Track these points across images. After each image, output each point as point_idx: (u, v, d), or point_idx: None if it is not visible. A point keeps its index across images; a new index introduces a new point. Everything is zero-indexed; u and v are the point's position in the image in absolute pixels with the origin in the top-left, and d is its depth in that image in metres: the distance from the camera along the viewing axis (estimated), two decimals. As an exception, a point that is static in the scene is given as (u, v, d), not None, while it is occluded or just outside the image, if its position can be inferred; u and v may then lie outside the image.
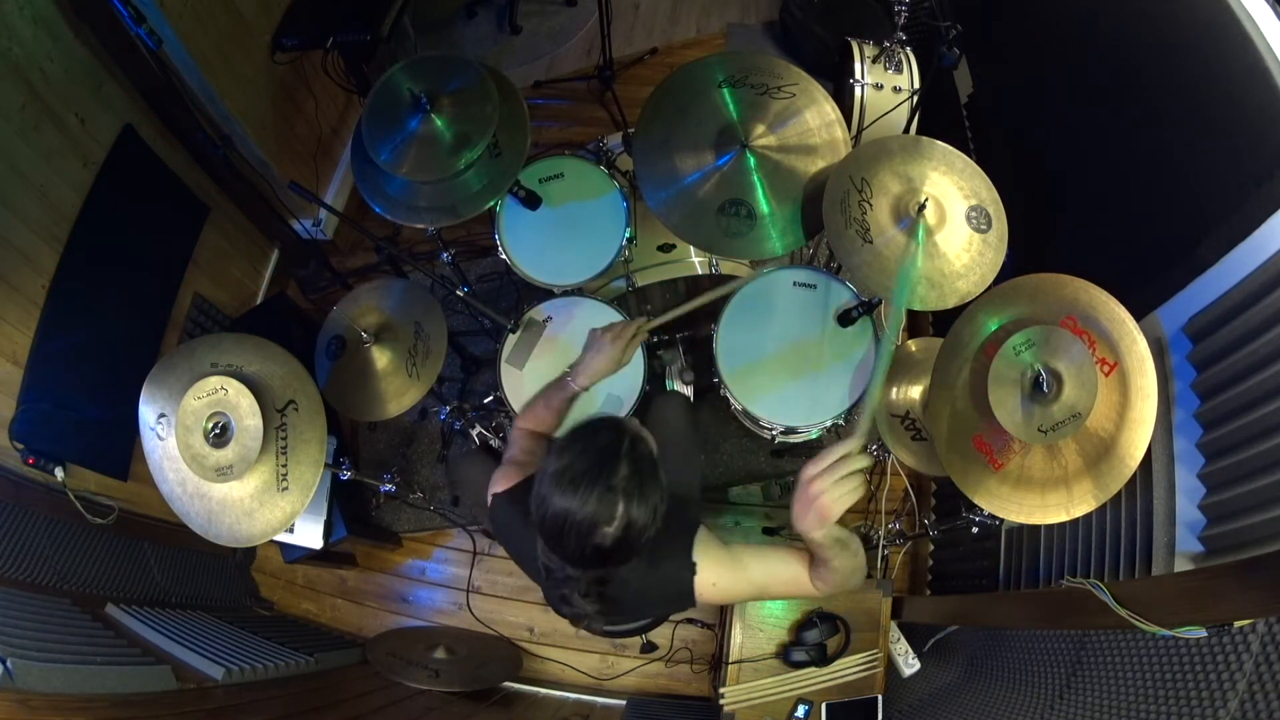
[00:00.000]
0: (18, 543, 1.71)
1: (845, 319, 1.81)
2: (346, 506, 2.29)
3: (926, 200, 1.53)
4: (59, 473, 1.80)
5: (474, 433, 2.21)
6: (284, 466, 1.54)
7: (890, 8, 2.60)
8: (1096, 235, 1.78)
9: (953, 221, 1.57)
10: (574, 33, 3.55)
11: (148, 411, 1.54)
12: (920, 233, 1.53)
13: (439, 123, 1.73)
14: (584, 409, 1.42)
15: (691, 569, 1.17)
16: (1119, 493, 1.33)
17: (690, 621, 2.42)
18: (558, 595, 1.17)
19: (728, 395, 1.82)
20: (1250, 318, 1.26)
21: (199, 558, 2.33)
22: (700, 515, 1.49)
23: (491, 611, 2.50)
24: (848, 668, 1.91)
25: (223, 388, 1.49)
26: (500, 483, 1.31)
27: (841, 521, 1.11)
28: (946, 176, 1.60)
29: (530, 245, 1.95)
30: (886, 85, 2.56)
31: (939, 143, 1.64)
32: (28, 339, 1.79)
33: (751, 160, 1.68)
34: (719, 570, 1.19)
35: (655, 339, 2.31)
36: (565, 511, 1.00)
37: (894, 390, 1.87)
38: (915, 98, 2.44)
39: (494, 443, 2.21)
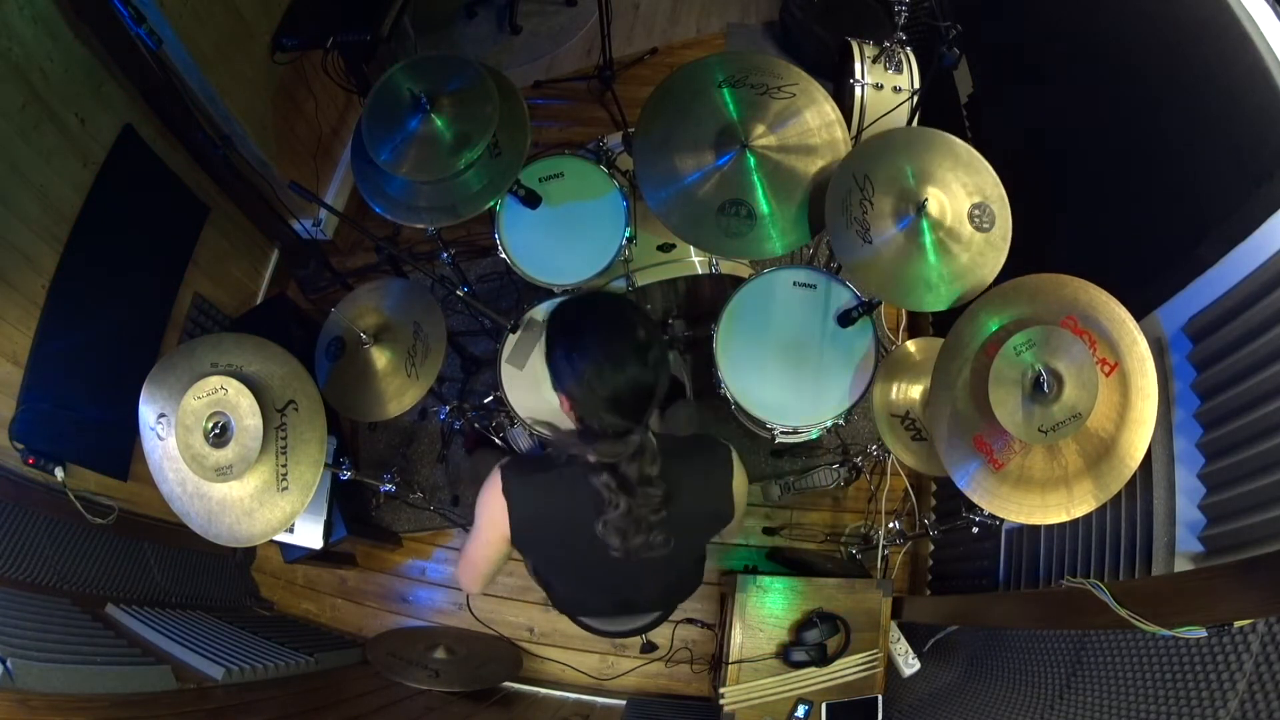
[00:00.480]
0: (18, 543, 1.71)
1: (845, 319, 1.81)
2: (346, 506, 2.29)
3: (926, 200, 1.53)
4: (59, 473, 1.80)
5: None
6: (284, 466, 1.54)
7: (890, 8, 2.60)
8: (1096, 235, 1.78)
9: (954, 219, 1.56)
10: (574, 33, 3.55)
11: (148, 411, 1.54)
12: (926, 231, 1.53)
13: (439, 123, 1.73)
14: None
15: (730, 458, 1.28)
16: (1119, 493, 1.33)
17: (690, 621, 2.42)
18: (619, 482, 1.14)
19: (728, 395, 1.82)
20: (1250, 318, 1.26)
21: (199, 558, 2.33)
22: None
23: (491, 611, 2.50)
24: (848, 668, 1.91)
25: (223, 388, 1.49)
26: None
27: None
28: (950, 171, 1.59)
29: (530, 245, 1.95)
30: (886, 85, 2.56)
31: (943, 133, 1.61)
32: (28, 339, 1.79)
33: (751, 160, 1.67)
34: (741, 474, 1.30)
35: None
36: (632, 376, 1.09)
37: (894, 390, 1.87)
38: (915, 98, 2.44)
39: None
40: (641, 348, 1.10)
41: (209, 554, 2.37)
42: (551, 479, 1.21)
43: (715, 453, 1.28)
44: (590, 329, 1.13)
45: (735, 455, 1.28)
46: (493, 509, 1.24)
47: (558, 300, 1.89)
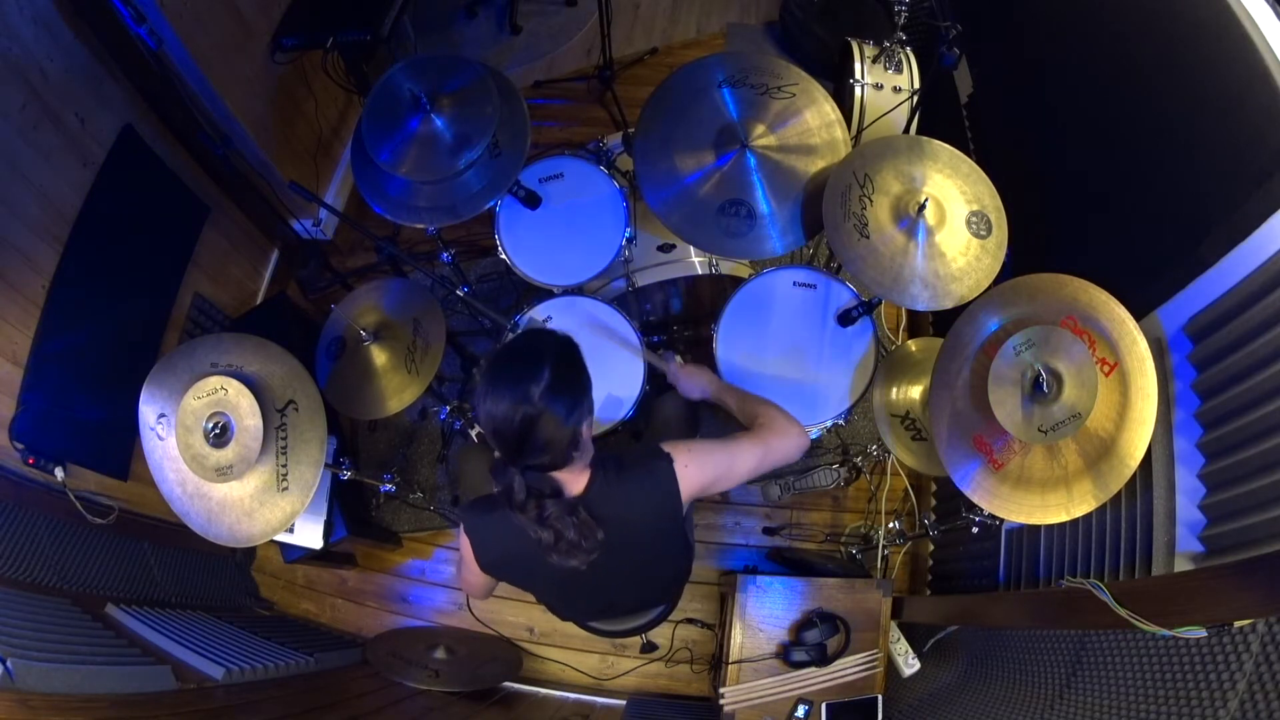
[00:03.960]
0: (18, 543, 1.71)
1: (845, 319, 1.81)
2: (346, 506, 2.28)
3: (926, 200, 1.54)
4: (59, 473, 1.80)
5: (473, 432, 2.21)
6: (284, 466, 1.54)
7: (890, 8, 2.59)
8: (1097, 235, 1.78)
9: (952, 224, 1.57)
10: (574, 33, 3.55)
11: (148, 411, 1.54)
12: (920, 232, 1.54)
13: (439, 123, 1.73)
14: None
15: (666, 457, 1.26)
16: (1119, 493, 1.33)
17: (690, 621, 2.42)
18: (536, 518, 1.17)
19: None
20: (1250, 318, 1.25)
21: (199, 558, 2.33)
22: None
23: (491, 611, 2.50)
24: (848, 668, 1.91)
25: (223, 388, 1.49)
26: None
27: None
28: (950, 180, 1.60)
29: (530, 245, 1.95)
30: (886, 85, 2.55)
31: (945, 145, 1.64)
32: (28, 339, 1.79)
33: (751, 160, 1.68)
34: (689, 453, 1.27)
35: (656, 339, 2.31)
36: (496, 412, 1.10)
37: (894, 390, 1.87)
38: (915, 98, 2.44)
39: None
40: (524, 386, 1.09)
41: (209, 554, 2.37)
42: (500, 516, 1.24)
43: (655, 466, 1.26)
44: (496, 355, 1.20)
45: (678, 462, 1.26)
46: (465, 545, 1.34)
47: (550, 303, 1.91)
